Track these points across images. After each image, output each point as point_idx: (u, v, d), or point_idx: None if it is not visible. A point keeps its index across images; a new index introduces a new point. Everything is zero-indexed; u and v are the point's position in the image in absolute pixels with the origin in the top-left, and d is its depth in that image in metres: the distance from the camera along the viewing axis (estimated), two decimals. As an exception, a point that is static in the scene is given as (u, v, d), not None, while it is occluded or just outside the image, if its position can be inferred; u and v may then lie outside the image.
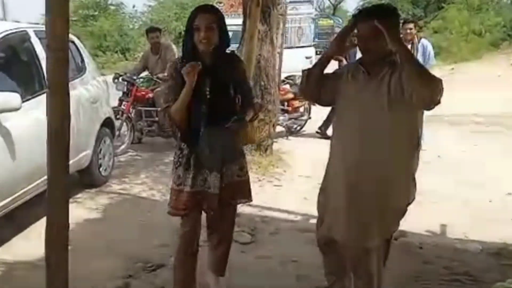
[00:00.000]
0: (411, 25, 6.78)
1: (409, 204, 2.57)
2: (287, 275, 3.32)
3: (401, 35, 6.72)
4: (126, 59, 20.21)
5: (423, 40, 6.89)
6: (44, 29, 2.09)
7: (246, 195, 2.81)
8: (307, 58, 12.26)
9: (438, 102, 2.33)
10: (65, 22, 1.98)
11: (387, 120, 2.38)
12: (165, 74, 4.09)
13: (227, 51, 2.70)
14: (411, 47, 6.65)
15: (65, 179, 2.07)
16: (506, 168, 5.59)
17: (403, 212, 2.57)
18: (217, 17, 2.54)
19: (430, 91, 2.28)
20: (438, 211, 4.46)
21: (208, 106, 2.56)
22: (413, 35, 6.67)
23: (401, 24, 7.17)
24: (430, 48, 6.80)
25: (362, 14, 2.48)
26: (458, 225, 4.19)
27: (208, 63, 2.55)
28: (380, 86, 2.40)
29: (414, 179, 2.57)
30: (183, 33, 2.67)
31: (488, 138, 7.27)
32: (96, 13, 23.18)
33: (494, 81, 12.33)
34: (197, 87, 2.52)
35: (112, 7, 24.31)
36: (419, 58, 6.65)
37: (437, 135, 6.99)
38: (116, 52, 21.49)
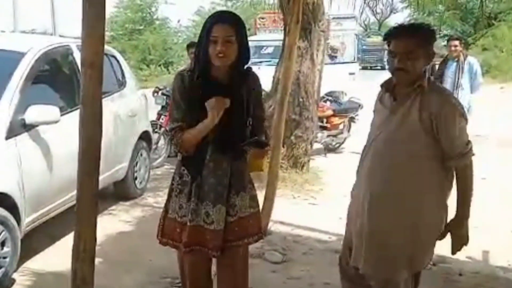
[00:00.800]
0: (457, 42, 6.64)
1: (441, 234, 2.41)
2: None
3: (447, 52, 6.67)
4: (169, 73, 20.59)
5: (470, 58, 6.73)
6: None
7: (257, 231, 2.41)
8: (350, 74, 12.19)
9: None
10: (100, 38, 1.99)
11: (411, 149, 2.26)
12: None
13: (245, 67, 2.36)
14: (457, 65, 6.49)
15: (95, 193, 2.08)
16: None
17: (433, 243, 2.41)
18: (238, 28, 2.22)
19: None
20: (481, 236, 4.26)
21: (218, 129, 2.23)
22: (459, 52, 6.52)
23: (446, 41, 7.08)
24: (476, 66, 6.64)
25: (397, 30, 2.36)
26: (502, 253, 3.99)
27: (221, 80, 2.26)
28: (408, 113, 2.26)
29: (445, 206, 2.39)
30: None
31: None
32: (142, 27, 23.80)
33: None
34: (202, 107, 2.20)
35: (158, 22, 24.91)
36: (465, 76, 6.48)
37: (483, 156, 6.72)
38: (160, 65, 21.95)
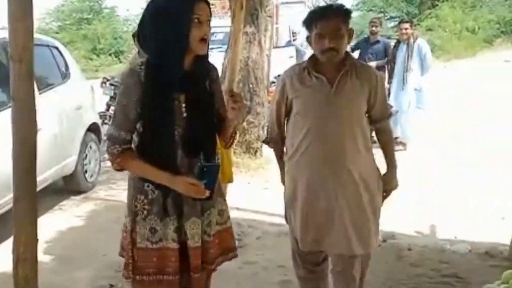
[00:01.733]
0: (407, 25, 6.76)
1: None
2: (271, 281, 3.27)
3: (397, 35, 6.77)
4: (120, 62, 20.17)
5: (419, 40, 6.83)
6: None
7: (233, 248, 2.11)
8: (290, 57, 12.23)
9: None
10: (28, 32, 1.89)
11: (362, 124, 2.37)
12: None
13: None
14: (407, 47, 6.61)
15: (33, 193, 2.00)
16: (496, 165, 5.56)
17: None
18: (210, 8, 1.88)
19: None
20: (428, 211, 4.43)
21: (186, 129, 1.88)
22: (409, 34, 6.63)
23: (397, 24, 7.20)
24: (426, 49, 6.75)
25: (322, 11, 2.36)
26: (448, 226, 4.15)
27: (187, 70, 1.88)
28: (353, 90, 2.32)
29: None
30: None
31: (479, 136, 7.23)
32: (90, 16, 23.16)
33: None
34: (168, 104, 1.86)
35: (106, 10, 24.28)
36: (415, 58, 6.60)
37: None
38: (110, 55, 21.47)
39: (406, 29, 6.64)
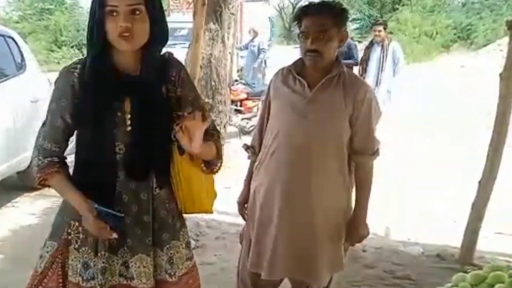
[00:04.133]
0: (381, 27, 6.90)
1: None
2: (229, 282, 3.26)
3: (372, 38, 6.85)
4: (83, 55, 19.56)
5: (393, 43, 7.01)
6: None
7: None
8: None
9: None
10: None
11: (337, 139, 2.09)
12: None
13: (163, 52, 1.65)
14: (381, 49, 6.75)
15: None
16: (449, 173, 5.72)
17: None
18: None
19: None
20: (383, 212, 4.51)
21: (129, 144, 1.56)
22: (383, 36, 6.77)
23: (370, 26, 7.31)
24: (399, 51, 6.92)
25: (309, 8, 2.06)
26: (402, 228, 4.24)
27: (128, 72, 1.56)
28: (332, 100, 2.05)
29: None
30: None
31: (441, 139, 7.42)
32: (52, 6, 22.51)
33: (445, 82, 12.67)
34: (106, 113, 1.54)
35: (69, 1, 23.65)
36: (389, 60, 6.74)
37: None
38: (72, 47, 20.96)
39: (379, 31, 6.78)
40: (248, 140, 2.44)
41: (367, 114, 2.07)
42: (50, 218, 4.20)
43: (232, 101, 6.83)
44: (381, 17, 21.94)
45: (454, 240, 3.75)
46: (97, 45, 1.52)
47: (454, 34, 18.48)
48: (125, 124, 1.57)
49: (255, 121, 7.93)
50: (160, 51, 1.62)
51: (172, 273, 1.67)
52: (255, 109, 7.89)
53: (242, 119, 7.67)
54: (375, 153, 2.14)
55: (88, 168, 1.58)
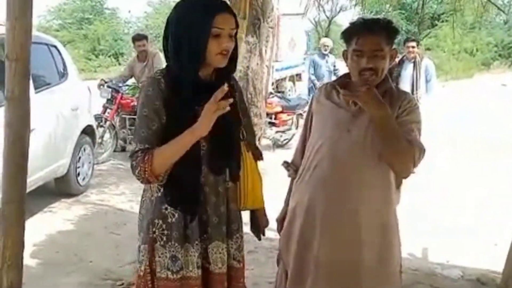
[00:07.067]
0: (414, 43, 6.71)
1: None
2: (261, 298, 3.22)
3: (404, 54, 6.73)
4: (119, 64, 20.16)
5: (426, 60, 6.80)
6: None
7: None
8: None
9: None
10: (26, 30, 1.86)
11: (362, 149, 2.02)
12: None
13: None
14: (414, 66, 6.58)
15: (22, 197, 1.95)
16: (492, 192, 5.53)
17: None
18: (236, 20, 1.76)
19: (401, 164, 1.97)
20: (421, 234, 4.38)
21: (210, 142, 1.74)
22: (415, 53, 6.60)
23: (403, 42, 7.16)
24: (432, 68, 6.72)
25: (365, 26, 2.01)
26: (441, 250, 4.11)
27: (208, 82, 1.77)
28: (364, 116, 1.98)
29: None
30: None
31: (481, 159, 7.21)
32: (91, 16, 23.18)
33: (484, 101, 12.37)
34: (191, 114, 1.68)
35: (108, 11, 24.32)
36: (422, 77, 6.57)
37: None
38: (110, 56, 21.49)
39: (413, 47, 6.60)
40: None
41: (408, 120, 2.00)
42: (84, 224, 4.32)
43: (267, 114, 6.81)
44: (419, 33, 21.75)
45: (494, 263, 3.60)
46: (197, 61, 1.70)
47: (495, 51, 18.13)
48: None
49: (289, 134, 7.92)
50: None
51: (240, 260, 1.89)
52: (289, 122, 7.86)
53: (277, 132, 7.63)
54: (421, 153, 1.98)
55: (177, 163, 1.68)
